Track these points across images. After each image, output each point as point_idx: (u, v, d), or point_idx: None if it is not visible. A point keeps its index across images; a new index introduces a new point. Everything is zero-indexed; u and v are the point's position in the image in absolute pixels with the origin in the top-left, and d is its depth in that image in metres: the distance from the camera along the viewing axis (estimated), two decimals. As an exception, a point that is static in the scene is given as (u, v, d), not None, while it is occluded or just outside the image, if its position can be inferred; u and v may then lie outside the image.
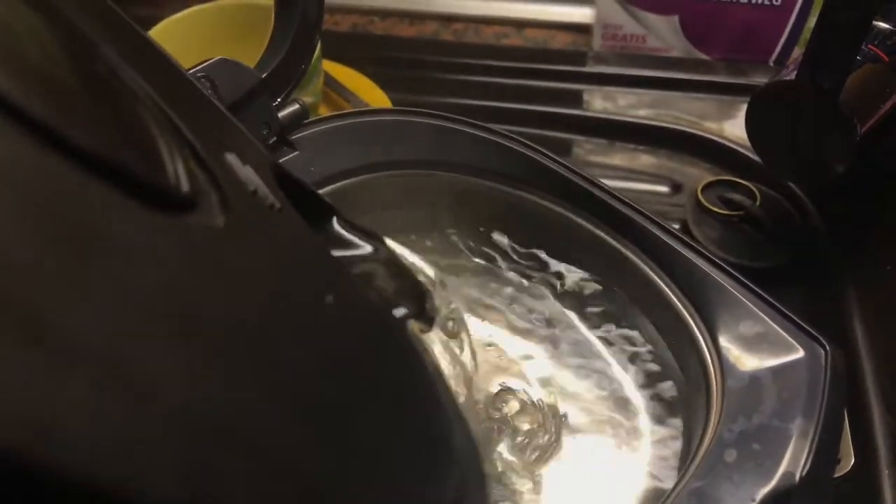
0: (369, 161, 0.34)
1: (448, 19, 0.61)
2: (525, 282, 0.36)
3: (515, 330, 0.34)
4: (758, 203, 0.46)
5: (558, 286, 0.35)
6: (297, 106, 0.33)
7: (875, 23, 0.40)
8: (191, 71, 0.30)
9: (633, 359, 0.32)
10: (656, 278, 0.30)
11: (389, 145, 0.34)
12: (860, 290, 0.41)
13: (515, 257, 0.36)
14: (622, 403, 0.31)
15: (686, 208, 0.47)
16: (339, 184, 0.33)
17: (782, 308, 0.27)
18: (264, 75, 0.32)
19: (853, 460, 0.34)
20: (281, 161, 0.32)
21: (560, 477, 0.29)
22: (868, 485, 0.33)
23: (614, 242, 0.31)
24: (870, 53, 0.40)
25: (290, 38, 0.32)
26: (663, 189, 0.50)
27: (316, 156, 0.33)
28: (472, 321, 0.34)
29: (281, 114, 0.33)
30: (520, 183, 0.33)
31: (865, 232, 0.46)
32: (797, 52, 0.55)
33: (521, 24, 0.61)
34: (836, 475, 0.33)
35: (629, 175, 0.51)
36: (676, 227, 0.45)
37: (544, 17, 0.61)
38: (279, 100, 0.33)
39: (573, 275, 0.34)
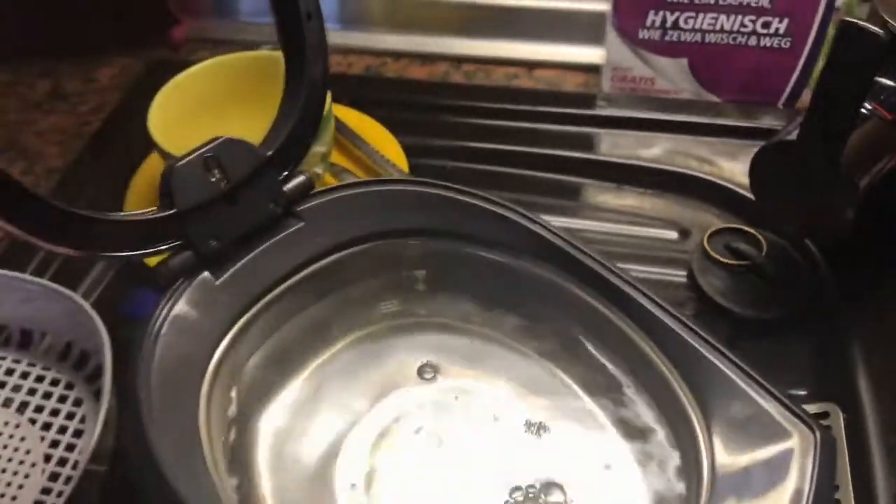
0: (373, 230, 0.35)
1: (459, 60, 0.62)
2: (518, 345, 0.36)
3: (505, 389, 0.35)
4: (764, 252, 0.46)
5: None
6: (302, 177, 0.34)
7: (877, 79, 0.41)
8: (196, 153, 0.31)
9: (631, 432, 0.32)
10: (653, 355, 0.30)
11: (393, 214, 0.35)
12: (865, 345, 0.41)
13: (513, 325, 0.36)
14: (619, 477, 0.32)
15: (692, 256, 0.47)
16: (346, 251, 0.34)
17: (774, 389, 0.28)
18: (270, 153, 0.33)
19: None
20: (287, 233, 0.33)
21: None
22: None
23: (614, 318, 0.32)
24: (873, 111, 0.41)
25: (296, 115, 0.33)
26: (671, 235, 0.50)
27: (321, 226, 0.34)
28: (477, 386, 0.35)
29: (287, 187, 0.34)
30: (520, 253, 0.34)
31: (872, 284, 0.46)
32: (806, 94, 0.55)
33: (531, 65, 0.61)
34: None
35: (637, 220, 0.51)
36: (683, 274, 0.47)
37: (555, 58, 0.61)
38: (286, 173, 0.34)
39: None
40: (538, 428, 0.33)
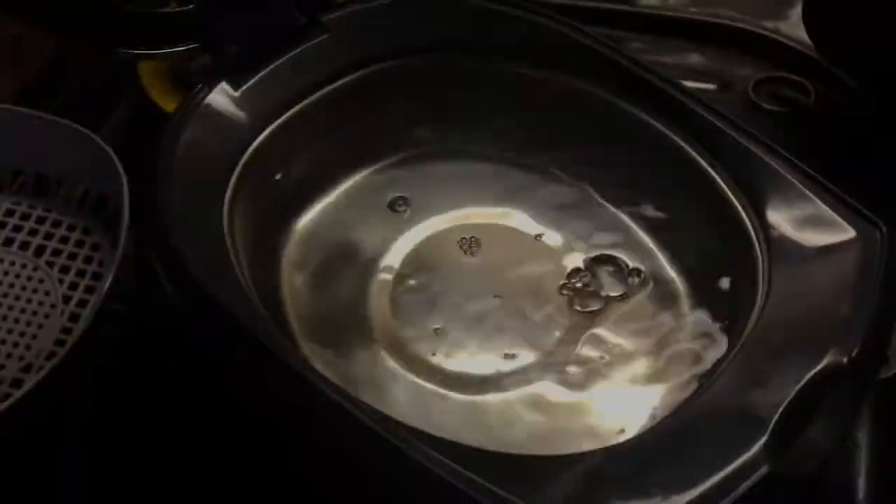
0: (402, 44, 0.32)
1: None
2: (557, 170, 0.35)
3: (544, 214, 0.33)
4: (812, 99, 0.44)
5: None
6: (329, -15, 0.32)
7: None
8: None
9: (672, 238, 0.31)
10: (700, 159, 0.28)
11: (423, 27, 0.32)
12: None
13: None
14: (660, 285, 0.30)
15: (735, 106, 0.45)
16: (370, 68, 0.32)
17: (835, 189, 0.26)
18: (297, -48, 0.31)
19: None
20: (312, 44, 0.31)
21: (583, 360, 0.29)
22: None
23: (658, 125, 0.30)
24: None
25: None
26: (711, 87, 0.48)
27: (349, 38, 0.32)
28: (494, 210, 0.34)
29: (312, -7, 0.32)
30: (562, 65, 0.32)
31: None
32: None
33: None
34: (883, 376, 0.32)
35: (676, 74, 0.49)
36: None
37: None
38: (310, -22, 0.32)
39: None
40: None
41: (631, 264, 0.31)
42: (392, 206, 0.33)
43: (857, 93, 0.44)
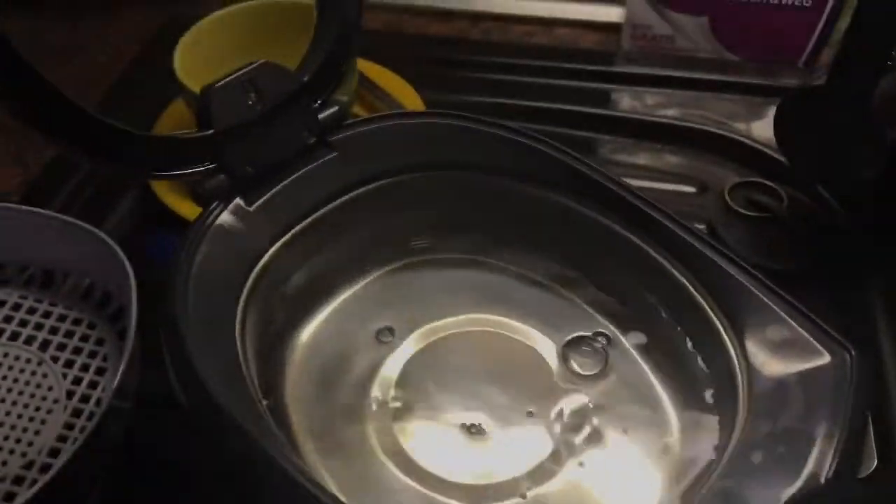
0: (406, 162, 0.35)
1: (477, 17, 0.62)
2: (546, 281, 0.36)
3: (535, 323, 0.35)
4: (785, 205, 0.46)
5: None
6: (336, 108, 0.34)
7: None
8: (234, 75, 0.31)
9: (659, 362, 0.33)
10: (685, 281, 0.30)
11: (426, 147, 0.35)
12: (886, 295, 0.42)
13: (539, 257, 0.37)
14: (649, 403, 0.32)
15: (712, 209, 0.47)
16: (376, 183, 0.34)
17: (809, 312, 0.28)
18: (306, 78, 0.33)
19: (875, 462, 0.34)
20: (320, 162, 0.34)
21: (584, 471, 0.30)
22: (890, 486, 0.34)
23: (642, 244, 0.32)
24: (900, 59, 0.41)
25: (331, 40, 0.33)
26: (689, 189, 0.51)
27: (354, 157, 0.34)
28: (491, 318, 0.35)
29: (321, 115, 0.34)
30: (549, 185, 0.34)
31: (892, 236, 0.46)
32: (827, 54, 0.55)
33: (549, 23, 0.61)
34: (860, 475, 0.34)
35: (655, 175, 0.52)
36: (702, 227, 0.47)
37: (572, 15, 0.61)
38: (319, 102, 0.34)
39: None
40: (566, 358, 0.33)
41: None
42: (378, 336, 0.35)
43: (827, 200, 0.47)
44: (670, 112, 0.55)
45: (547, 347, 0.34)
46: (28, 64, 0.26)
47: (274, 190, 0.32)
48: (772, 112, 0.53)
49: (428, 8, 0.62)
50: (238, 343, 0.29)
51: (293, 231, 0.33)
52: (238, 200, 0.32)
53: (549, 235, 0.35)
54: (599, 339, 0.34)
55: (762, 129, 0.53)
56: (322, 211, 0.33)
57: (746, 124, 0.54)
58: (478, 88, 0.56)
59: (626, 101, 0.56)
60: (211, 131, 0.31)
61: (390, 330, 0.35)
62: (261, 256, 0.31)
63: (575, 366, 0.33)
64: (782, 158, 0.49)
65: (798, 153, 0.43)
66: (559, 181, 0.34)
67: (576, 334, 0.34)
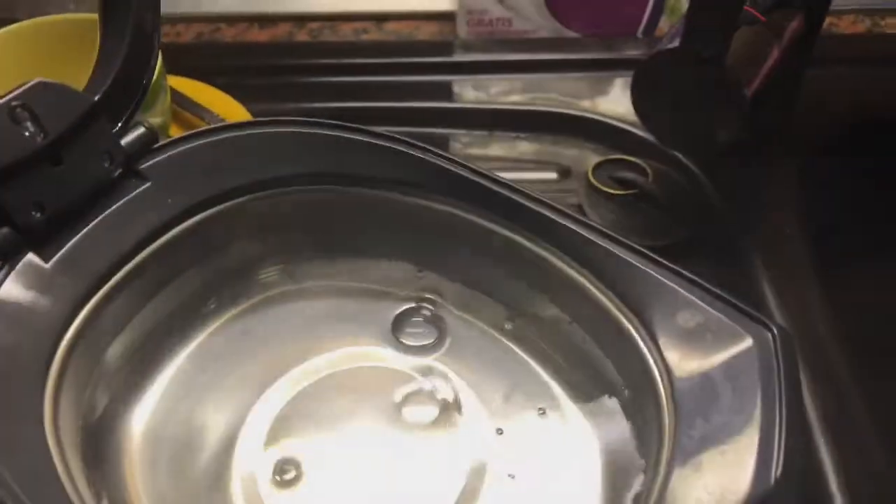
0: (233, 185, 0.29)
1: (301, 19, 0.56)
2: (431, 295, 0.32)
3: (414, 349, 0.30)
4: (650, 179, 0.44)
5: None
6: (142, 129, 0.28)
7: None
8: (2, 100, 0.25)
9: (559, 370, 0.29)
10: (579, 277, 0.27)
11: (255, 164, 0.29)
12: (765, 255, 0.41)
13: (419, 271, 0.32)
14: (559, 419, 0.28)
15: (578, 192, 0.45)
16: (203, 214, 0.29)
17: (719, 291, 0.25)
18: (97, 97, 0.27)
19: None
20: (130, 197, 0.28)
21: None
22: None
23: (527, 242, 0.28)
24: (747, 15, 0.39)
25: (123, 51, 0.27)
26: (551, 175, 0.48)
27: (172, 185, 0.28)
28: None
29: (124, 140, 0.28)
30: (415, 189, 0.30)
31: (758, 195, 0.45)
32: (664, 22, 0.54)
33: (381, 18, 0.57)
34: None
35: (512, 164, 0.49)
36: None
37: (405, 7, 0.57)
38: (119, 125, 0.28)
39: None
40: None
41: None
42: (228, 400, 0.29)
43: (690, 169, 0.45)
44: (516, 98, 0.52)
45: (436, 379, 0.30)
46: None
47: (75, 238, 0.26)
48: (618, 86, 0.52)
49: (244, 14, 0.56)
50: (51, 443, 0.22)
51: (106, 287, 0.26)
52: (30, 257, 0.25)
53: (413, 243, 0.31)
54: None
55: (610, 104, 0.51)
56: (140, 256, 0.27)
57: (595, 101, 0.52)
58: (310, 94, 0.51)
59: (471, 92, 0.53)
60: (-25, 177, 0.24)
61: (242, 392, 0.29)
62: (67, 326, 0.25)
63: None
64: (639, 132, 0.47)
65: (658, 123, 0.41)
66: (421, 184, 0.29)
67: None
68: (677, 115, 0.40)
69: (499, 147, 0.50)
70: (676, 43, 0.37)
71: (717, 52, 0.36)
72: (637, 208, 0.44)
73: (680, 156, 0.46)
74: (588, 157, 0.48)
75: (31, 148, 0.25)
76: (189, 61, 0.49)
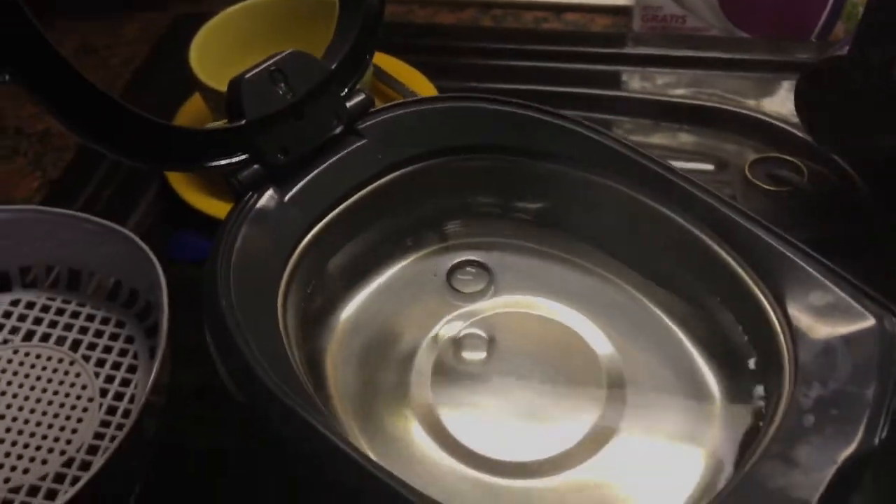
0: (435, 147, 0.35)
1: (487, 6, 0.62)
2: (582, 261, 0.37)
3: (572, 303, 0.35)
4: (805, 179, 0.46)
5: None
6: (363, 96, 0.34)
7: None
8: (264, 65, 0.31)
9: (699, 332, 0.33)
10: (722, 252, 0.30)
11: (453, 131, 0.35)
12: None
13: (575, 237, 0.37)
14: (689, 375, 0.32)
15: (734, 186, 0.47)
16: (405, 169, 0.34)
17: (848, 276, 0.28)
18: (334, 66, 0.33)
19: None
20: (350, 150, 0.34)
21: (619, 448, 0.30)
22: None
23: (677, 218, 0.32)
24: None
25: (357, 26, 0.33)
26: (708, 167, 0.51)
27: (383, 144, 0.34)
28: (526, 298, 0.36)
29: (349, 103, 0.34)
30: (580, 163, 0.34)
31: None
32: (839, 27, 0.55)
33: (559, 9, 0.61)
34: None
35: (672, 154, 0.52)
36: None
37: (583, 0, 0.61)
38: (346, 90, 0.34)
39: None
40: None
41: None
42: (420, 315, 0.35)
43: (848, 172, 0.47)
44: (681, 91, 0.55)
45: (587, 329, 0.34)
46: (64, 58, 0.26)
47: (307, 178, 0.32)
48: (785, 87, 0.54)
49: (435, -1, 0.62)
50: (281, 328, 0.29)
51: (328, 218, 0.33)
52: (272, 190, 0.32)
53: (580, 214, 0.35)
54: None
55: (776, 105, 0.53)
56: (355, 197, 0.33)
57: (760, 101, 0.54)
58: (490, 75, 0.56)
59: (638, 83, 0.56)
60: (243, 122, 0.31)
61: (425, 316, 0.35)
62: (298, 244, 0.31)
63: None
64: (800, 133, 0.49)
65: (819, 125, 0.43)
66: (588, 159, 0.34)
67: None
68: (841, 120, 0.42)
69: (661, 136, 0.53)
70: (846, 49, 0.39)
71: (886, 60, 0.38)
72: (789, 206, 0.46)
73: (838, 159, 0.47)
74: (746, 153, 0.50)
75: (282, 104, 0.31)
76: (384, 38, 0.56)
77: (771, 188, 0.46)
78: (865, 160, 0.45)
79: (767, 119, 0.52)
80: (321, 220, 0.32)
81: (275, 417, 0.25)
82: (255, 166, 0.31)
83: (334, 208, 0.33)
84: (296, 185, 0.32)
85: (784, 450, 0.24)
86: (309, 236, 0.32)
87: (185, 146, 0.30)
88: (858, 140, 0.42)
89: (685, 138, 0.53)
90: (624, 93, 0.55)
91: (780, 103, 0.53)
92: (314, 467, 0.25)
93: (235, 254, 0.29)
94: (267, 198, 0.31)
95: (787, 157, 0.48)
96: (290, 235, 0.31)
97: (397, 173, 0.34)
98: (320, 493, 0.26)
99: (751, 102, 0.53)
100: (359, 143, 0.34)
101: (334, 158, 0.33)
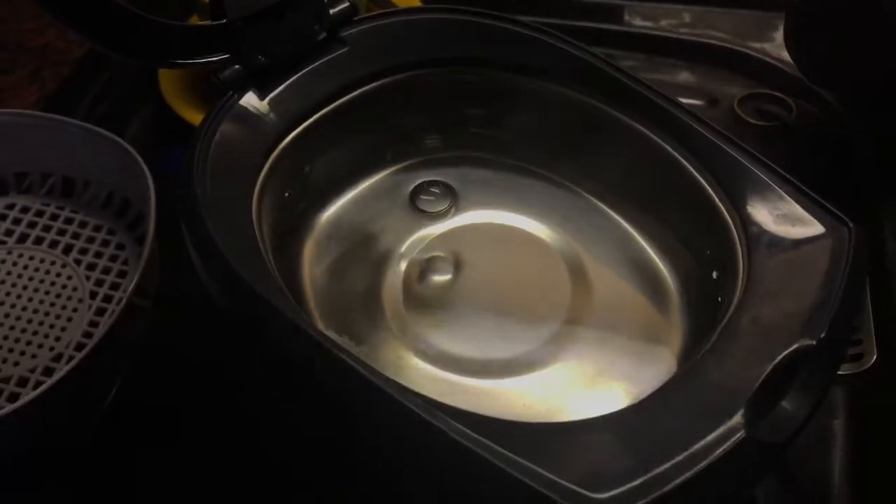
0: (417, 58, 0.35)
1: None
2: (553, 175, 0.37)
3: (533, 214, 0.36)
4: (794, 114, 0.46)
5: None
6: (346, 3, 0.34)
7: None
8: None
9: (658, 239, 0.34)
10: (682, 160, 0.31)
11: (436, 43, 0.35)
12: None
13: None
14: (651, 279, 0.33)
15: (721, 121, 0.48)
16: (386, 79, 0.35)
17: (808, 191, 0.29)
18: (315, -31, 0.33)
19: (875, 356, 0.35)
20: (331, 56, 0.34)
21: (582, 343, 0.31)
22: (889, 379, 0.35)
23: (642, 128, 0.33)
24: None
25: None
26: (698, 102, 0.51)
27: (365, 52, 0.35)
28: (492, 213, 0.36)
29: (332, 11, 0.34)
30: (557, 77, 0.35)
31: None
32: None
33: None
34: (858, 370, 0.35)
35: (664, 89, 0.52)
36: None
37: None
38: (329, -4, 0.34)
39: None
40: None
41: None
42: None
43: (835, 108, 0.47)
44: (681, 28, 0.55)
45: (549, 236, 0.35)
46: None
47: (288, 82, 0.33)
48: (777, 25, 0.53)
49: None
50: (255, 225, 0.30)
51: (307, 123, 0.33)
52: (252, 91, 0.32)
53: (556, 127, 0.36)
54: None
55: (772, 43, 0.53)
56: (335, 104, 0.34)
57: (757, 39, 0.54)
58: (484, 2, 0.55)
59: (638, 18, 0.56)
60: (224, 20, 0.31)
61: (402, 224, 0.36)
62: (277, 143, 0.32)
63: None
64: (791, 70, 0.49)
65: (809, 59, 0.43)
66: (570, 74, 0.34)
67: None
68: (832, 53, 0.42)
69: (656, 72, 0.53)
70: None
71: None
72: (777, 141, 0.46)
73: (827, 96, 0.47)
74: (738, 91, 0.50)
75: (263, 4, 0.32)
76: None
77: (759, 123, 0.47)
78: (855, 93, 0.45)
79: (760, 56, 0.52)
80: (300, 125, 0.33)
81: (262, 323, 0.25)
82: (236, 66, 0.32)
83: (314, 113, 0.33)
84: (276, 87, 0.33)
85: (729, 346, 0.25)
86: (287, 139, 0.33)
87: (165, 40, 0.31)
88: (847, 72, 0.42)
89: (680, 74, 0.53)
90: (621, 27, 0.55)
91: (777, 42, 0.53)
92: (304, 370, 0.26)
93: (213, 147, 0.30)
94: (247, 98, 0.32)
95: (776, 94, 0.48)
96: (268, 136, 0.32)
97: (378, 83, 0.35)
98: (307, 394, 0.27)
99: (746, 41, 0.53)
100: (341, 51, 0.34)
101: (316, 64, 0.34)
